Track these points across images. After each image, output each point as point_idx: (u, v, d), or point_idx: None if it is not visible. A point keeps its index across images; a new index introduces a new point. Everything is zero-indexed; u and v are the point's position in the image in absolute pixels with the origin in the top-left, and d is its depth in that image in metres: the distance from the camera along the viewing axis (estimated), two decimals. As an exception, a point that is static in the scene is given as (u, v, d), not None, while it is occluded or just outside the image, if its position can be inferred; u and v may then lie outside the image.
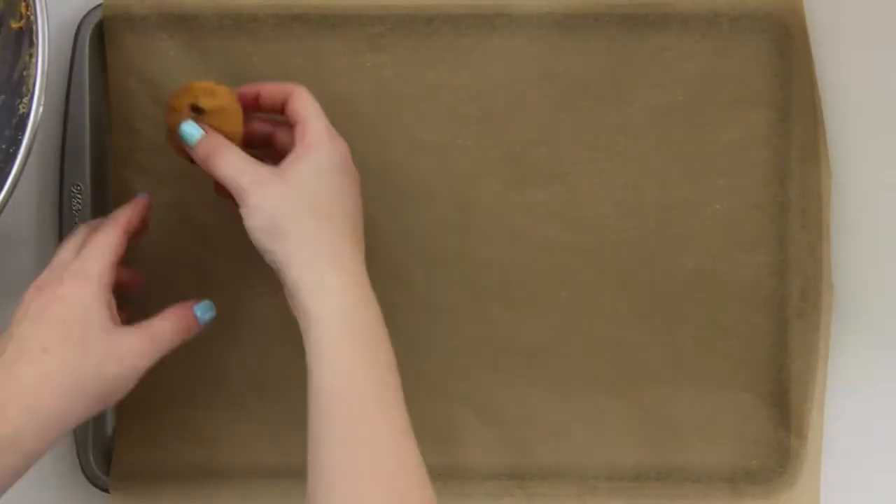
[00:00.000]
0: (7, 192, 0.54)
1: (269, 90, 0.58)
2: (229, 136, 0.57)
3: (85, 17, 0.61)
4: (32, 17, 0.54)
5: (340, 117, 0.61)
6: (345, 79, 0.62)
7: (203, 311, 0.58)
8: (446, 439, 0.63)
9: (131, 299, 0.61)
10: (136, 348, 0.54)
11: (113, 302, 0.55)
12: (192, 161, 0.58)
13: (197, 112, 0.57)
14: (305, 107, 0.57)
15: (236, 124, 0.57)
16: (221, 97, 0.57)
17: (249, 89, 0.59)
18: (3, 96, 0.57)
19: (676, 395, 0.63)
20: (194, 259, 0.63)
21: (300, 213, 0.54)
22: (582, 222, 0.63)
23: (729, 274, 0.63)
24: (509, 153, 0.63)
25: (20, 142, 0.54)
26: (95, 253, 0.55)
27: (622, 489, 0.63)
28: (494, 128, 0.62)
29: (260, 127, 0.60)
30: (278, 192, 0.54)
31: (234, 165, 0.55)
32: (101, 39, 0.62)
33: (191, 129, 0.56)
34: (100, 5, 0.61)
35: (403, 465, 0.51)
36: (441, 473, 0.63)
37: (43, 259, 0.63)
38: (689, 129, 0.63)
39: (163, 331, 0.55)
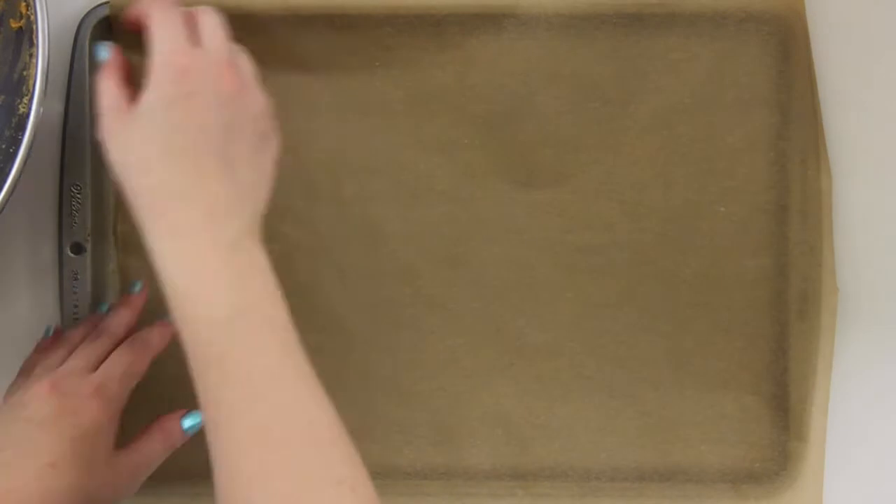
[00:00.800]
0: (7, 192, 0.54)
1: (134, 10, 0.53)
2: None
3: (85, 16, 0.61)
4: (32, 17, 0.54)
5: (350, 116, 0.62)
6: (355, 79, 0.62)
7: (191, 422, 0.58)
8: (449, 439, 0.63)
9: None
10: (129, 473, 0.54)
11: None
12: None
13: None
14: (151, 30, 0.51)
15: None
16: None
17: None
18: (2, 96, 0.57)
19: (679, 396, 0.63)
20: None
21: (129, 169, 0.48)
22: (587, 223, 0.63)
23: (733, 276, 0.63)
24: (516, 153, 0.63)
25: (20, 142, 0.54)
26: (120, 375, 0.55)
27: (625, 490, 0.63)
28: (502, 128, 0.62)
29: None
30: (117, 139, 0.49)
31: (101, 91, 0.51)
32: (101, 39, 0.62)
33: (101, 51, 0.53)
34: (100, 5, 0.61)
35: (264, 409, 0.46)
36: (443, 473, 0.63)
37: (42, 259, 0.63)
38: (696, 130, 0.63)
39: (151, 451, 0.56)
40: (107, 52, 0.53)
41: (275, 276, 0.49)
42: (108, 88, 0.51)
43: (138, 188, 0.48)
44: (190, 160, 0.48)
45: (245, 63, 0.52)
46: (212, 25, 0.52)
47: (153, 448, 0.56)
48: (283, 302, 0.48)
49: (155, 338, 0.58)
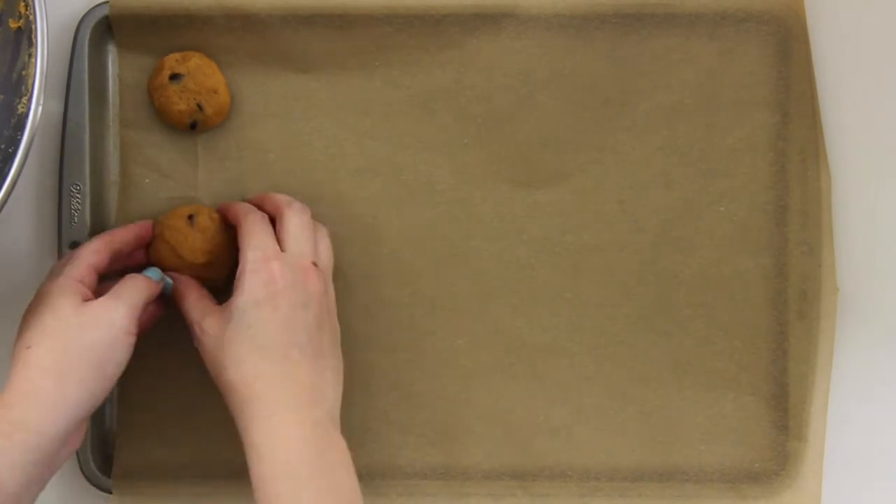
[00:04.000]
0: (6, 191, 0.54)
1: (231, 211, 0.60)
2: (214, 87, 0.61)
3: (84, 16, 0.61)
4: (31, 17, 0.54)
5: (350, 116, 0.62)
6: (355, 79, 0.62)
7: (152, 274, 0.59)
8: (448, 439, 0.63)
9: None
10: (103, 307, 0.55)
11: (84, 289, 0.56)
12: (192, 127, 0.61)
13: (177, 78, 0.61)
14: (244, 238, 0.57)
15: (217, 77, 0.61)
16: (193, 59, 0.61)
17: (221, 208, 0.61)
18: (1, 96, 0.56)
19: (679, 396, 0.63)
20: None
21: (223, 364, 0.55)
22: (587, 223, 0.63)
23: (732, 276, 0.63)
24: (516, 153, 0.63)
25: (19, 142, 0.54)
26: (71, 259, 0.57)
27: (624, 490, 0.63)
28: (501, 128, 0.62)
29: None
30: (210, 347, 0.56)
31: (191, 303, 0.58)
32: (100, 39, 0.62)
33: (155, 276, 0.59)
34: (99, 5, 0.61)
35: None
36: (442, 473, 0.63)
37: (42, 259, 0.63)
38: (695, 130, 0.63)
39: (124, 289, 0.56)
40: (157, 275, 0.59)
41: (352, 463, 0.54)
42: (193, 302, 0.58)
43: (232, 380, 0.54)
44: (279, 352, 0.54)
45: (325, 257, 0.59)
46: (295, 229, 0.57)
47: (124, 285, 0.57)
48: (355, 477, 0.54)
49: (118, 229, 0.60)
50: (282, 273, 0.55)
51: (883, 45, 0.64)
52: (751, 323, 0.63)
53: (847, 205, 0.64)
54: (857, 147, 0.64)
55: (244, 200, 0.61)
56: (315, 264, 0.57)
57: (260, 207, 0.60)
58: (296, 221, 0.58)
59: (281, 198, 0.59)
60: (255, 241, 0.56)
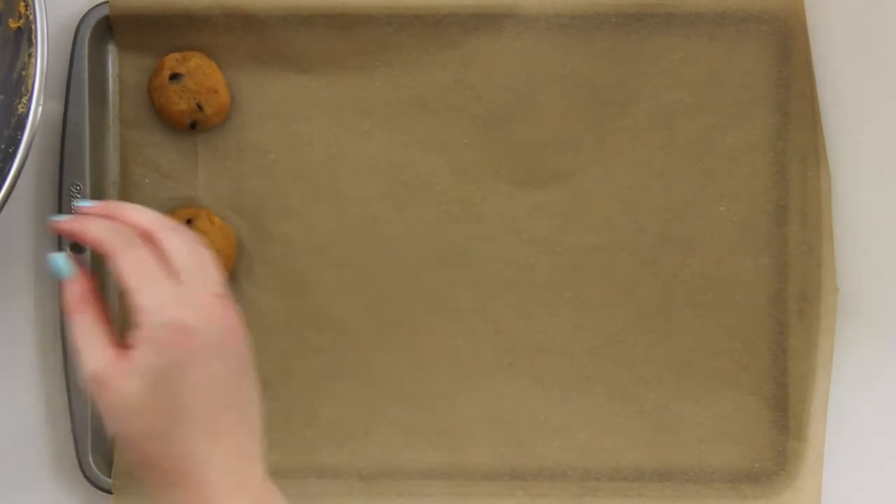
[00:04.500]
0: (6, 191, 0.54)
1: (94, 239, 0.47)
2: (214, 87, 0.61)
3: (84, 16, 0.61)
4: (31, 17, 0.54)
5: (350, 116, 0.62)
6: (355, 79, 0.62)
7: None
8: (448, 439, 0.63)
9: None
10: None
11: None
12: (192, 127, 0.61)
13: (177, 78, 0.61)
14: (128, 279, 0.45)
15: (217, 77, 0.61)
16: (193, 59, 0.61)
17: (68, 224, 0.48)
18: (1, 96, 0.57)
19: (679, 396, 0.63)
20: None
21: (139, 432, 0.45)
22: (587, 223, 0.63)
23: (732, 276, 0.63)
24: (516, 153, 0.63)
25: (19, 141, 0.54)
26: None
27: (624, 489, 0.63)
28: (501, 128, 0.62)
29: None
30: (113, 403, 0.45)
31: (83, 335, 0.46)
32: (100, 39, 0.62)
33: (59, 264, 0.48)
34: (99, 5, 0.61)
35: None
36: (442, 473, 0.63)
37: (42, 259, 0.63)
38: (695, 131, 0.63)
39: None
40: (67, 267, 0.48)
41: None
42: (91, 349, 0.46)
43: (155, 454, 0.45)
44: (212, 423, 0.45)
45: (217, 275, 0.48)
46: (185, 258, 0.47)
47: None
48: None
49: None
50: (197, 323, 0.45)
51: (883, 46, 0.64)
52: (751, 323, 0.63)
53: (847, 205, 0.64)
54: (857, 147, 0.64)
55: (94, 210, 0.50)
56: (217, 294, 0.47)
57: (110, 219, 0.48)
58: (182, 248, 0.47)
59: (146, 216, 0.48)
60: (150, 285, 0.45)
